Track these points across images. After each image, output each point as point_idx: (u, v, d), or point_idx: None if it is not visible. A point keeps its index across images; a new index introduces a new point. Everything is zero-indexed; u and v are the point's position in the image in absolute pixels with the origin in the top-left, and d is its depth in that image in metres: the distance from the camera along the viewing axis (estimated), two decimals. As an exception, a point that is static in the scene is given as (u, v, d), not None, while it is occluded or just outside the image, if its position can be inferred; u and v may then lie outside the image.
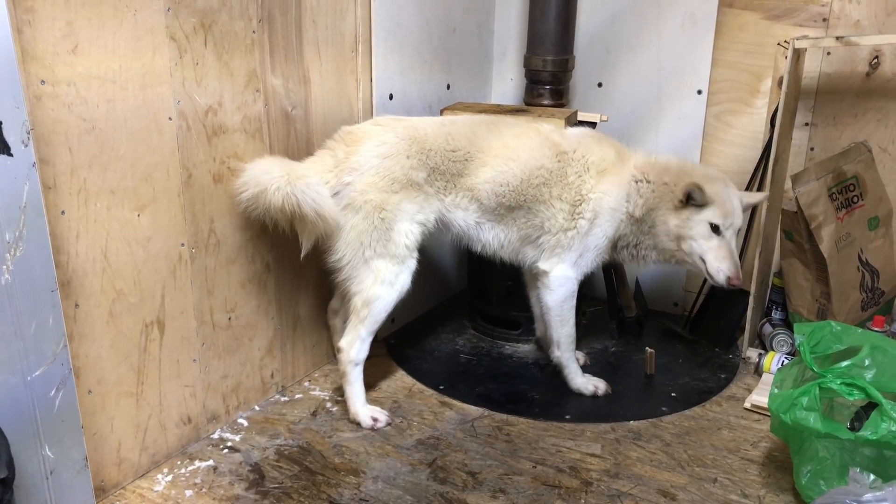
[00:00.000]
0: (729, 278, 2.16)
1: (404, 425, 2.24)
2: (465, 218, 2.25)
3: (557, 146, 2.23)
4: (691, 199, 2.16)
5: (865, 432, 1.70)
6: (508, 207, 2.24)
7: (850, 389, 1.77)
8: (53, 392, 1.59)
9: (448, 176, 2.19)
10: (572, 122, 2.58)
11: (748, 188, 2.76)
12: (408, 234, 2.14)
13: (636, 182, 2.24)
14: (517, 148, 2.21)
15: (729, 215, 2.16)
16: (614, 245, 2.32)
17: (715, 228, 2.16)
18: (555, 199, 2.22)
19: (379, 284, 2.14)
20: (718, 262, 2.17)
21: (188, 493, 1.91)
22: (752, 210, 2.75)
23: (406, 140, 2.14)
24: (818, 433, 1.75)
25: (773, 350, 2.62)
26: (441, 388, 2.46)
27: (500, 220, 2.27)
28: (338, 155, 2.13)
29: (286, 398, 2.38)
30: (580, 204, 2.22)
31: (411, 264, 2.18)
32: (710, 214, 2.16)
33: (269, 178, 1.97)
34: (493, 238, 2.31)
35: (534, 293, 2.51)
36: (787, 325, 2.71)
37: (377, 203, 2.09)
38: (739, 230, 2.25)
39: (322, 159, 2.14)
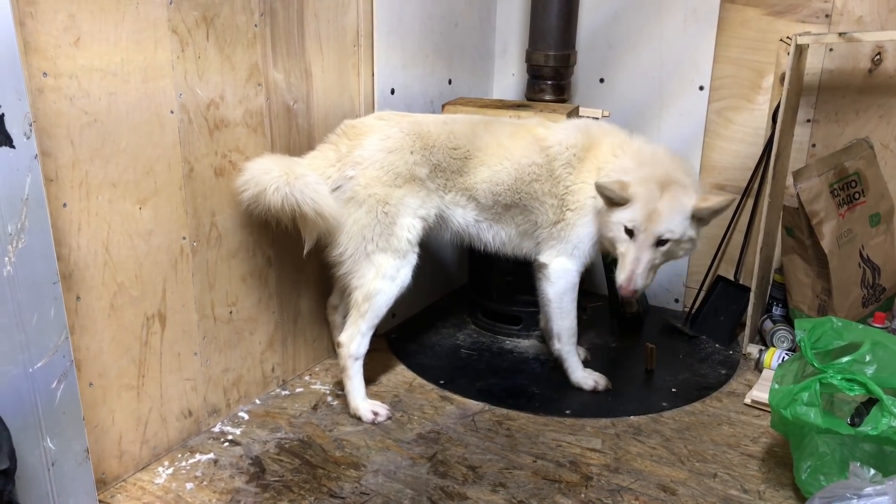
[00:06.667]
0: (620, 286, 2.08)
1: (405, 419, 2.24)
2: (464, 216, 2.25)
3: (543, 141, 2.22)
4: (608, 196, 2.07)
5: (866, 428, 1.70)
6: (505, 206, 2.23)
7: (850, 385, 1.77)
8: (55, 384, 1.60)
9: (448, 173, 2.19)
10: (574, 117, 2.58)
11: (749, 184, 2.76)
12: (410, 228, 2.14)
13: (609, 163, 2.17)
14: (511, 147, 2.21)
15: (645, 220, 2.03)
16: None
17: (629, 232, 2.07)
18: (546, 195, 2.22)
19: (380, 279, 2.14)
20: (620, 267, 2.10)
21: (189, 485, 1.92)
22: (754, 206, 2.75)
23: (410, 135, 2.14)
24: (818, 429, 1.76)
25: (773, 346, 2.62)
26: (441, 382, 2.46)
27: (499, 219, 2.27)
28: (340, 149, 2.13)
29: (287, 392, 2.38)
30: (566, 196, 2.21)
31: (412, 259, 2.19)
32: (624, 216, 2.05)
33: (269, 178, 1.97)
34: (493, 237, 2.31)
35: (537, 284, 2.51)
36: (788, 321, 2.71)
37: (380, 197, 2.09)
38: (679, 241, 2.06)
39: (324, 153, 2.14)
